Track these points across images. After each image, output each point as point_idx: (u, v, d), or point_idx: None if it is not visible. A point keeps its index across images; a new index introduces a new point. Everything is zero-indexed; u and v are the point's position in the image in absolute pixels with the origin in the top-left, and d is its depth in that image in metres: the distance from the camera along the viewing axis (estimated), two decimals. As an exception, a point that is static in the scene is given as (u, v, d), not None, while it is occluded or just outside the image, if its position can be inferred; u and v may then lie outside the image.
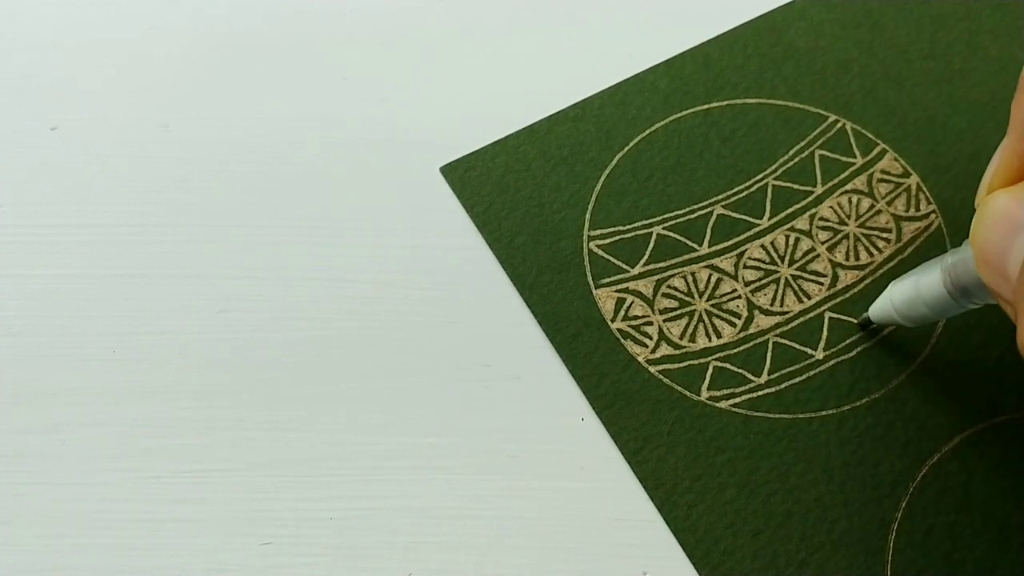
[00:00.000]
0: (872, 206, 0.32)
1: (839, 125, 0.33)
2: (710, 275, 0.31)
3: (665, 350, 0.29)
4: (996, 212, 0.22)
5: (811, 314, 0.30)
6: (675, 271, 0.31)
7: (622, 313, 0.30)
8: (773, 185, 0.32)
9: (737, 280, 0.30)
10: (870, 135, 0.33)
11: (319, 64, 0.35)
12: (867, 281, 0.30)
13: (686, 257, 0.31)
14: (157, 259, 0.31)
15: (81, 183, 0.33)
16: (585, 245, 0.31)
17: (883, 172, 0.32)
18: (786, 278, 0.30)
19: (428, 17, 0.36)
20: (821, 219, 0.31)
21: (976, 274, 0.24)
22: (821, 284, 0.30)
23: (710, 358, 0.29)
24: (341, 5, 0.37)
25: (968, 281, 0.24)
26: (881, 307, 0.29)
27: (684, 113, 0.34)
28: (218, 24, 0.36)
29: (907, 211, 0.31)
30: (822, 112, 0.33)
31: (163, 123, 0.34)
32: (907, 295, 0.27)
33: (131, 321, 0.30)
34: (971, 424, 0.28)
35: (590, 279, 0.31)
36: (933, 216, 0.31)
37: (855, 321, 0.30)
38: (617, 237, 0.31)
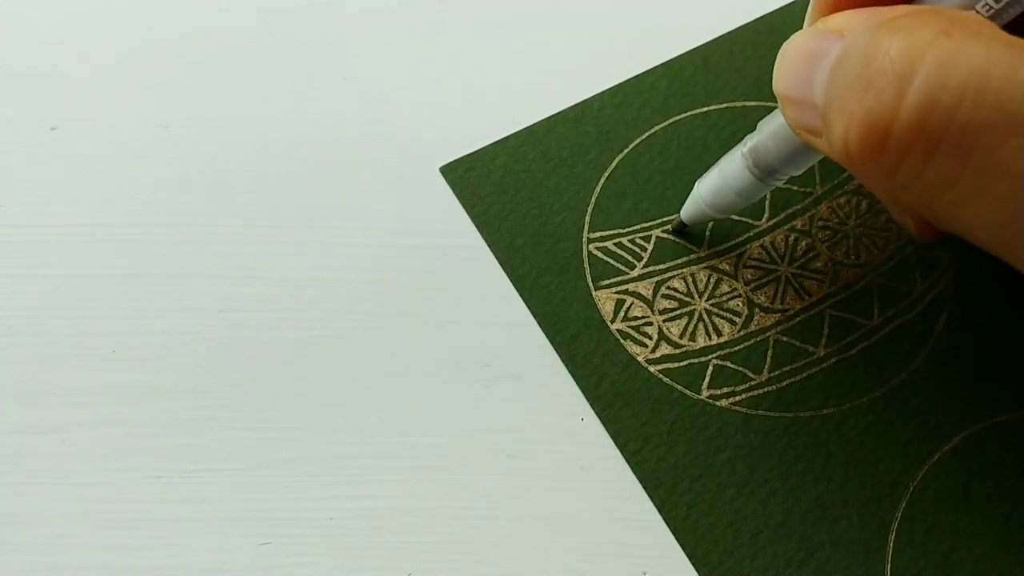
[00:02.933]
0: (872, 206, 0.32)
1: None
2: (709, 275, 0.31)
3: (665, 349, 0.29)
4: (794, 50, 0.22)
5: (812, 311, 0.30)
6: (675, 272, 0.31)
7: (622, 314, 0.30)
8: (772, 186, 0.32)
9: (737, 279, 0.30)
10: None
11: (319, 64, 0.35)
12: (868, 278, 0.30)
13: (685, 259, 0.31)
14: (157, 259, 0.31)
15: (81, 183, 0.33)
16: (585, 247, 0.31)
17: (882, 172, 0.32)
18: (786, 276, 0.30)
19: (428, 17, 0.36)
20: (821, 219, 0.31)
21: (776, 151, 0.25)
22: (822, 282, 0.30)
23: (710, 356, 0.29)
24: (341, 5, 0.37)
25: (770, 159, 0.26)
26: (692, 205, 0.30)
27: (683, 116, 0.34)
28: (218, 25, 0.36)
29: (906, 211, 0.32)
30: (821, 114, 0.33)
31: (163, 123, 0.34)
32: (714, 185, 0.28)
33: (131, 321, 0.30)
34: (971, 424, 0.28)
35: (590, 281, 0.31)
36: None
37: (678, 233, 0.31)
38: (616, 240, 0.31)
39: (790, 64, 0.22)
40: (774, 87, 0.23)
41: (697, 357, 0.29)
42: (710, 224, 0.31)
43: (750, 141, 0.26)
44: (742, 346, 0.29)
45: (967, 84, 0.18)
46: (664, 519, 0.27)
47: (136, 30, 0.36)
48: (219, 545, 0.27)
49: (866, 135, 0.19)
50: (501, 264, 0.31)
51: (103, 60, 0.35)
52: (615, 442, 0.28)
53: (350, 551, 0.27)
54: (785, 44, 0.22)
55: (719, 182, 0.28)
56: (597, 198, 0.32)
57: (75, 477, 0.28)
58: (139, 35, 0.36)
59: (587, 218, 0.32)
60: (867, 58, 0.19)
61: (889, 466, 0.28)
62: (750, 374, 0.29)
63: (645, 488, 0.28)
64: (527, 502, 0.28)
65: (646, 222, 0.32)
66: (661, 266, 0.31)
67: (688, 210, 0.30)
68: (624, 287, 0.31)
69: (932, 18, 0.19)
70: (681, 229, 0.31)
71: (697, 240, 0.31)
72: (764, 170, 0.26)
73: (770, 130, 0.26)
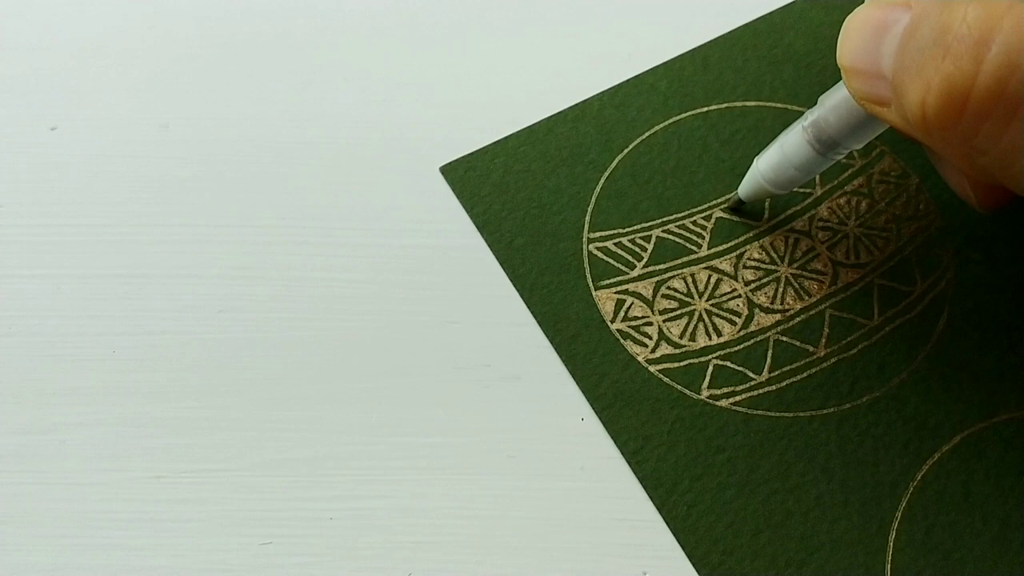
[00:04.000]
0: (872, 207, 0.32)
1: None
2: (709, 276, 0.31)
3: (665, 349, 0.29)
4: (859, 23, 0.22)
5: (812, 311, 0.30)
6: (675, 272, 0.31)
7: (622, 314, 0.30)
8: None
9: (737, 280, 0.30)
10: (869, 136, 0.33)
11: (319, 64, 0.35)
12: (868, 279, 0.30)
13: (685, 259, 0.31)
14: (157, 259, 0.31)
15: (81, 183, 0.33)
16: (585, 247, 0.31)
17: (882, 173, 0.32)
18: (786, 277, 0.30)
19: (428, 17, 0.36)
20: (820, 220, 0.31)
21: (837, 124, 0.25)
22: (822, 282, 0.30)
23: (710, 356, 0.29)
24: (341, 5, 0.37)
25: (831, 133, 0.26)
26: (750, 182, 0.30)
27: (683, 116, 0.34)
28: (218, 24, 0.36)
29: (906, 212, 0.31)
30: (821, 114, 0.33)
31: (163, 123, 0.34)
32: (774, 161, 0.28)
33: (131, 321, 0.30)
34: (971, 424, 0.28)
35: (590, 281, 0.31)
36: (933, 216, 0.31)
37: (734, 211, 0.32)
38: (616, 240, 0.31)
39: (855, 36, 0.22)
40: (838, 60, 0.23)
41: (697, 357, 0.29)
42: (714, 221, 0.31)
43: (811, 115, 0.27)
44: (742, 346, 0.29)
45: None
46: (664, 519, 0.27)
47: (136, 30, 0.36)
48: (219, 545, 0.27)
49: (945, 101, 0.20)
50: (501, 264, 0.31)
51: (103, 60, 0.35)
52: (615, 442, 0.28)
53: (350, 551, 0.27)
54: (848, 18, 0.23)
55: (779, 157, 0.28)
56: (597, 198, 0.32)
57: (75, 477, 0.28)
58: (139, 35, 0.36)
59: (587, 218, 0.32)
60: (943, 25, 0.19)
61: (889, 466, 0.28)
62: (750, 374, 0.29)
63: (645, 488, 0.28)
64: (527, 502, 0.28)
65: (646, 222, 0.32)
66: (661, 266, 0.31)
67: (746, 187, 0.30)
68: (624, 287, 0.31)
69: None
70: (738, 207, 0.31)
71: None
72: (825, 144, 0.26)
73: (831, 103, 0.26)
